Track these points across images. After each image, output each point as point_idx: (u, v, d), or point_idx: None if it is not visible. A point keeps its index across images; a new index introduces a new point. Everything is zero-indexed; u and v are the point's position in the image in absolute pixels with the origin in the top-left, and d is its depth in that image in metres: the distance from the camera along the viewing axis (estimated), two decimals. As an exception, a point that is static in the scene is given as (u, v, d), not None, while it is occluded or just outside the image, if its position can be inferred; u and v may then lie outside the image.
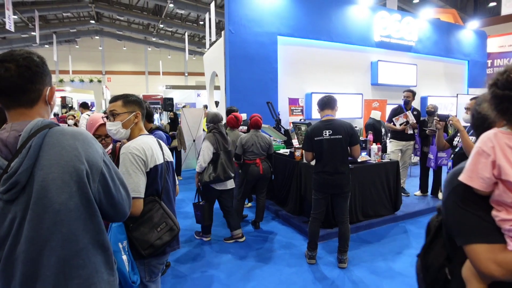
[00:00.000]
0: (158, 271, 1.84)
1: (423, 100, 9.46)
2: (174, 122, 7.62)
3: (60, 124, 1.20)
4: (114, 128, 1.83)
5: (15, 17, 19.72)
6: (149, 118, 4.56)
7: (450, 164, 3.30)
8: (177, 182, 2.15)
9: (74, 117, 7.39)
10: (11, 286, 1.00)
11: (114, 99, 1.91)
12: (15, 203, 1.00)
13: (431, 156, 5.16)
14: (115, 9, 22.20)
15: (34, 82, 1.09)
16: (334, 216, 3.48)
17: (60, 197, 1.01)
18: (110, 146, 2.32)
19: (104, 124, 2.21)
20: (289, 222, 4.53)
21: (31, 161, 1.00)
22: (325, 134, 3.19)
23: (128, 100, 1.88)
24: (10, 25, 14.48)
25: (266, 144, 4.24)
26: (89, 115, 6.26)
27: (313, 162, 3.41)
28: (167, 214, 1.76)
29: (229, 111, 5.18)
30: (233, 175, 3.81)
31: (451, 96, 10.01)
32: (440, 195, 5.44)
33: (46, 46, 27.58)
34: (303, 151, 3.39)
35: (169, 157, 1.98)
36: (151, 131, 3.00)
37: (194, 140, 8.03)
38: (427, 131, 5.20)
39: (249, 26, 6.56)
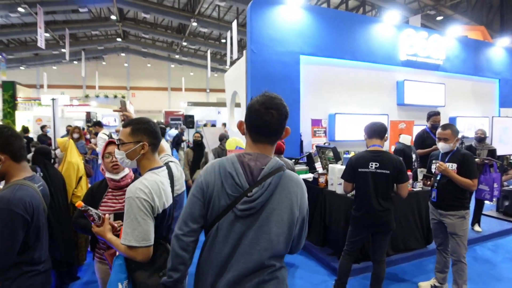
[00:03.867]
0: None
1: (452, 120, 9.02)
2: (200, 146, 6.04)
3: None
4: (119, 157, 1.69)
5: (47, 34, 20.68)
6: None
7: (434, 194, 3.30)
8: None
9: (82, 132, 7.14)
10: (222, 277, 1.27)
11: (125, 124, 1.75)
12: (243, 219, 1.28)
13: (484, 187, 4.71)
14: (141, 28, 22.95)
15: (284, 125, 1.38)
16: (371, 253, 3.16)
17: (275, 230, 1.28)
18: (131, 173, 2.18)
19: (113, 143, 2.09)
20: (311, 254, 4.25)
21: (268, 195, 1.28)
22: (371, 167, 2.91)
23: (136, 128, 1.69)
24: (41, 43, 15.15)
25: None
26: (105, 133, 6.19)
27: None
28: None
29: None
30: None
31: (482, 117, 9.54)
32: (477, 227, 5.02)
33: (75, 62, 28.72)
34: (343, 181, 3.13)
35: (181, 187, 1.83)
36: None
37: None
38: (476, 160, 4.76)
39: (271, 45, 6.47)
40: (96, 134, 6.52)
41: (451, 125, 3.25)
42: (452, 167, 3.13)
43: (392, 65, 7.95)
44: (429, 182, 3.43)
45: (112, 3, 17.49)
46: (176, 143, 12.61)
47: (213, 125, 15.04)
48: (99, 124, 6.57)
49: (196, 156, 5.77)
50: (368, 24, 7.66)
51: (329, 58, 7.12)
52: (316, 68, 7.04)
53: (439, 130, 3.26)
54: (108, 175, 2.13)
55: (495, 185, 4.63)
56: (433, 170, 3.36)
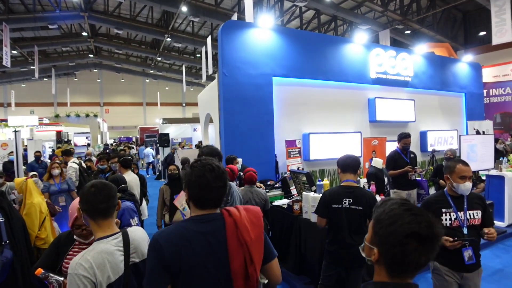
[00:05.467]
0: None
1: (422, 135, 9.32)
2: (178, 181, 4.68)
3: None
4: None
5: (15, 52, 19.97)
6: (125, 165, 4.45)
7: (470, 254, 2.46)
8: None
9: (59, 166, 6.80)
10: None
11: None
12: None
13: None
14: (114, 44, 22.57)
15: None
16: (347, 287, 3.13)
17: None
18: None
19: None
20: (288, 282, 4.19)
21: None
22: (345, 203, 2.89)
23: None
24: (6, 61, 14.54)
25: (262, 200, 3.99)
26: (75, 162, 5.91)
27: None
28: None
29: (228, 160, 4.97)
30: None
31: (450, 130, 9.89)
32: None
33: (45, 79, 27.85)
34: (317, 216, 3.10)
35: (139, 256, 1.65)
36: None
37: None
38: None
39: (244, 68, 6.48)
40: (66, 163, 6.14)
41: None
42: (477, 215, 2.52)
43: (363, 83, 8.15)
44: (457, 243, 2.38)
45: (84, 20, 17.14)
46: (168, 163, 12.08)
47: (197, 146, 14.44)
48: (67, 154, 6.22)
49: (174, 193, 4.32)
50: (338, 44, 7.84)
51: (301, 79, 7.21)
52: (289, 89, 7.10)
53: (460, 166, 2.46)
54: (76, 237, 2.05)
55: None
56: (444, 222, 2.48)
